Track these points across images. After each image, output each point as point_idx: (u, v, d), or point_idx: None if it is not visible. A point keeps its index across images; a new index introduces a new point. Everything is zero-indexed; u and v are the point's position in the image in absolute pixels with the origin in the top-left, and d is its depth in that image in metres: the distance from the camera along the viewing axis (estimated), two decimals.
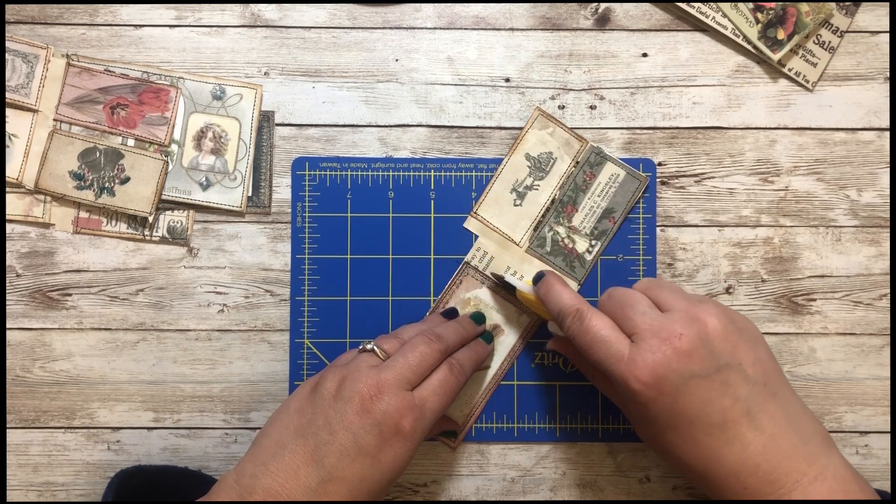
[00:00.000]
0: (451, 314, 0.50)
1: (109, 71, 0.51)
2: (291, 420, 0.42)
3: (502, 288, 0.51)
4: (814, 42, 0.52)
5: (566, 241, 0.50)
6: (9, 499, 0.51)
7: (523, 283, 0.49)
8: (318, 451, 0.40)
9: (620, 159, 0.52)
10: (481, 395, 0.51)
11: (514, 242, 0.51)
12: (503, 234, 0.51)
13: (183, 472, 0.50)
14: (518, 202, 0.51)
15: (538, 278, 0.47)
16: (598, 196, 0.50)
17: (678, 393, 0.40)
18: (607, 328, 0.42)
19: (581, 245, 0.51)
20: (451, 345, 0.45)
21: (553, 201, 0.50)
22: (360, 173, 0.52)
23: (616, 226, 0.51)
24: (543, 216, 0.50)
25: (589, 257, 0.50)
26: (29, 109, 0.51)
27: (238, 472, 0.41)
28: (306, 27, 0.52)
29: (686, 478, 0.44)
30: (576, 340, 0.43)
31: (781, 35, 0.51)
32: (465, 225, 0.52)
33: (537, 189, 0.51)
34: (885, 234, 0.52)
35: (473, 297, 0.51)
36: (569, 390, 0.52)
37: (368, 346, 0.44)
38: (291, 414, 0.42)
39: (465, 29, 0.53)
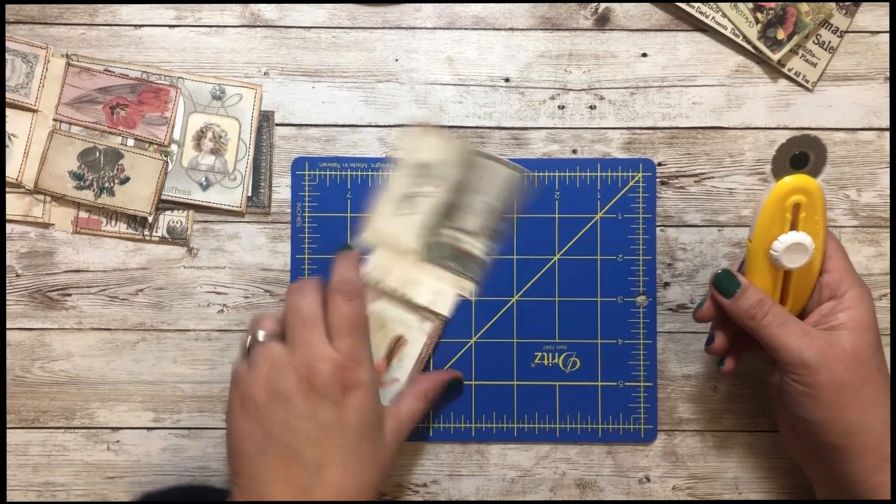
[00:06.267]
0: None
1: (109, 71, 0.51)
2: (246, 446, 0.41)
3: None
4: (814, 42, 0.52)
5: (459, 243, 0.50)
6: (9, 499, 0.51)
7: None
8: (291, 455, 0.41)
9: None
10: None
11: (408, 251, 0.50)
12: (397, 243, 0.50)
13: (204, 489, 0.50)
14: (406, 211, 0.51)
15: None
16: (483, 195, 0.50)
17: None
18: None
19: (473, 246, 0.51)
20: (317, 282, 0.45)
21: (441, 205, 0.50)
22: (359, 173, 0.52)
23: (507, 222, 0.51)
24: (433, 221, 0.50)
25: (484, 257, 0.51)
26: (28, 109, 0.51)
27: None
28: (306, 27, 0.52)
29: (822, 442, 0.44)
30: None
31: (781, 35, 0.51)
32: (364, 237, 0.51)
33: (424, 196, 0.51)
34: (885, 234, 0.52)
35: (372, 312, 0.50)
36: (569, 390, 0.52)
37: (260, 338, 0.43)
38: (244, 440, 0.42)
39: (465, 29, 0.53)
